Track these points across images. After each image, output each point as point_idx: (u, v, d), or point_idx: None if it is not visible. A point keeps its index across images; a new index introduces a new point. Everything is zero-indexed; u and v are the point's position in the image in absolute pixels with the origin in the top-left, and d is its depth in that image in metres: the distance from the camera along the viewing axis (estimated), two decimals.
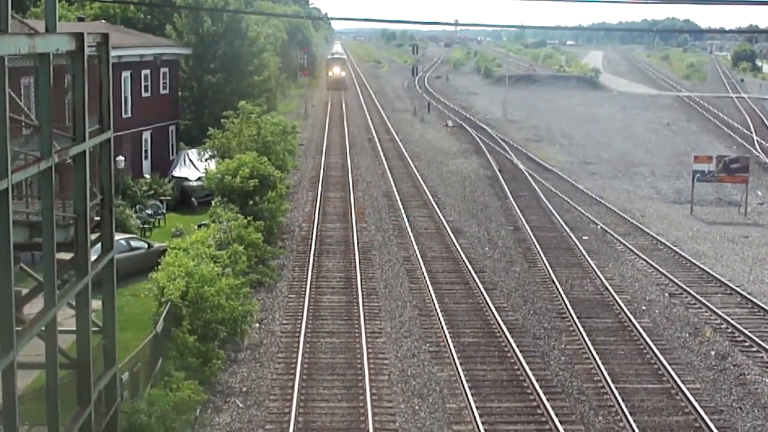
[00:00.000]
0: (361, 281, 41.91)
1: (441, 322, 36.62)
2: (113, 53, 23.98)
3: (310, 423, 28.32)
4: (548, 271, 43.76)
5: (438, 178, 67.86)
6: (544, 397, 29.52)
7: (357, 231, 51.10)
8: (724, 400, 30.42)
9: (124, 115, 56.00)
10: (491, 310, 38.04)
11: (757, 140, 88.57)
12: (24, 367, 18.52)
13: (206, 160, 59.75)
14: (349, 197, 60.18)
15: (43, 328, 18.99)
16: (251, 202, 48.81)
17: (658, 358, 33.08)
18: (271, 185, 51.27)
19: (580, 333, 35.53)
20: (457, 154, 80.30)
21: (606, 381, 31.05)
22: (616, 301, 39.43)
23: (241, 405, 29.81)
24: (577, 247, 48.31)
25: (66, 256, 20.93)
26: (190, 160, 62.52)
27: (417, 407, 29.52)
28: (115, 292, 23.75)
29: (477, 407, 28.97)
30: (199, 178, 56.45)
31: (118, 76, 55.27)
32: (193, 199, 56.51)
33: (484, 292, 40.21)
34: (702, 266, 45.11)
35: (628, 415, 28.36)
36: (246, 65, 79.20)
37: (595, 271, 43.71)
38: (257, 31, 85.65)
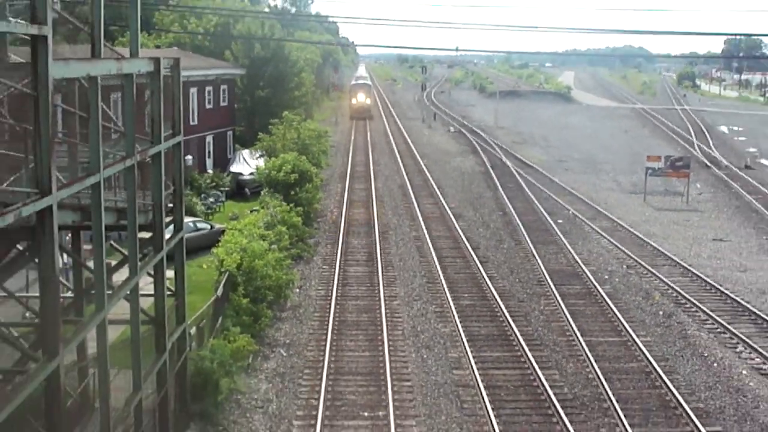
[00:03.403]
0: (381, 255, 41.95)
1: (444, 288, 36.68)
2: (183, 74, 24.06)
3: (339, 368, 28.44)
4: (530, 247, 43.72)
5: (442, 173, 67.82)
6: (526, 348, 29.61)
7: (377, 215, 51.12)
8: (669, 350, 30.43)
9: (191, 123, 56.07)
10: (485, 278, 38.08)
11: (696, 143, 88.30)
12: (113, 323, 18.65)
13: (257, 158, 59.98)
14: (371, 188, 60.19)
15: (128, 292, 19.13)
16: (292, 192, 48.95)
17: (617, 317, 33.12)
18: (308, 178, 51.44)
19: (556, 297, 35.56)
20: (457, 153, 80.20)
21: (576, 335, 31.10)
22: (584, 271, 39.42)
23: (284, 354, 29.95)
24: (553, 228, 48.24)
25: (146, 235, 21.06)
26: (244, 158, 62.68)
27: (425, 356, 29.61)
28: (184, 263, 23.88)
29: (473, 356, 29.07)
30: (251, 173, 56.57)
31: (187, 91, 55.39)
32: (246, 189, 56.62)
33: (478, 264, 40.23)
34: (653, 244, 45.05)
35: (593, 362, 28.43)
36: (288, 83, 79.35)
37: (567, 248, 43.66)
38: (297, 55, 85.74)
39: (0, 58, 20.44)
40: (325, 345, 30.02)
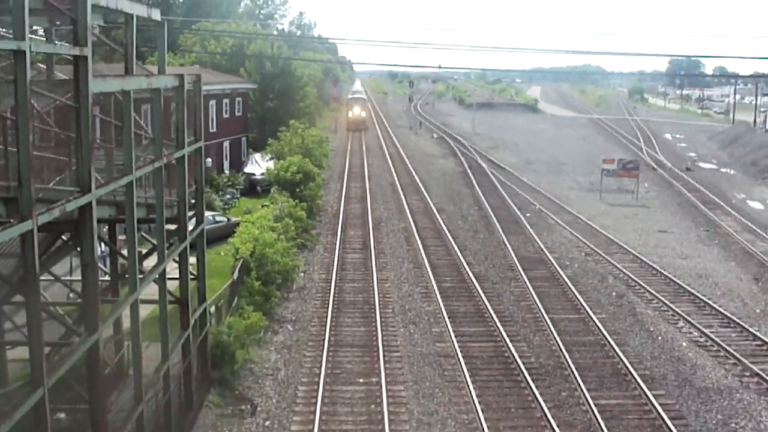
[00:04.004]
0: (374, 244, 41.95)
1: (428, 272, 36.67)
2: (204, 88, 24.06)
3: (339, 340, 28.46)
4: (502, 237, 43.70)
5: (426, 173, 67.67)
6: (499, 324, 29.63)
7: (371, 210, 51.09)
8: (621, 325, 30.49)
9: (211, 130, 55.95)
10: (463, 264, 38.07)
11: (644, 148, 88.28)
12: (144, 302, 18.67)
13: (267, 160, 59.89)
14: (365, 186, 60.12)
15: (156, 276, 19.14)
16: (298, 190, 48.93)
17: (577, 297, 33.16)
18: (311, 178, 51.40)
19: (524, 280, 35.56)
20: (439, 156, 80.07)
21: (542, 312, 31.13)
22: (549, 258, 39.43)
23: (291, 329, 29.97)
24: (522, 221, 48.21)
25: (172, 227, 21.06)
26: (256, 160, 62.52)
27: (411, 330, 29.62)
28: (205, 251, 23.87)
29: (453, 330, 29.08)
30: (262, 173, 56.40)
31: (207, 103, 55.19)
32: (258, 187, 56.43)
33: (458, 252, 40.22)
34: (607, 234, 45.07)
35: (556, 336, 28.48)
36: (294, 95, 79.16)
37: (534, 238, 43.66)
38: (302, 72, 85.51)
39: (47, 76, 20.45)
40: (326, 321, 30.02)
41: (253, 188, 56.66)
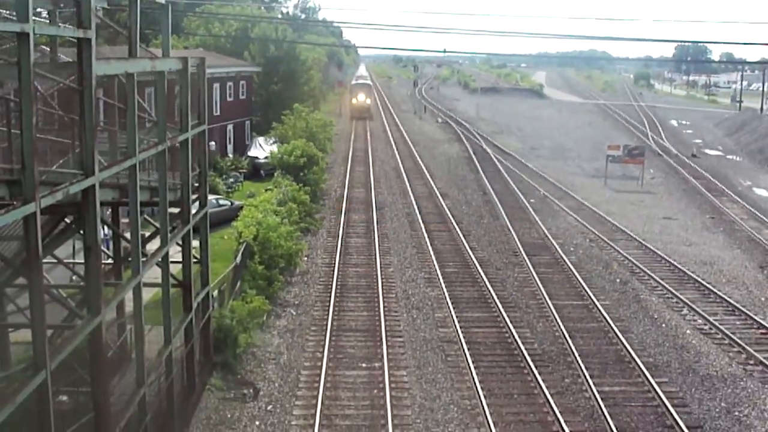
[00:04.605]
0: (377, 228, 41.96)
1: (432, 257, 36.71)
2: (207, 71, 23.98)
3: (341, 325, 28.53)
4: (506, 222, 43.72)
5: (431, 157, 67.60)
6: (503, 310, 29.66)
7: (375, 194, 51.07)
8: (625, 312, 30.53)
9: (214, 114, 55.85)
10: (467, 249, 38.10)
11: (650, 135, 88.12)
12: (147, 285, 18.69)
13: (271, 144, 59.84)
14: (369, 171, 60.07)
15: (159, 260, 19.16)
16: (301, 174, 48.94)
17: (581, 283, 33.18)
18: (315, 162, 51.44)
19: (528, 266, 35.58)
20: (444, 141, 79.94)
21: (545, 298, 31.17)
22: (553, 244, 39.45)
23: (294, 313, 30.02)
24: (527, 206, 48.22)
25: (175, 210, 21.08)
26: (260, 144, 62.43)
27: (415, 316, 29.69)
28: (208, 235, 23.89)
29: (456, 316, 29.14)
30: (266, 157, 56.35)
31: (211, 86, 55.09)
32: (261, 171, 56.38)
33: (462, 237, 40.23)
34: (612, 221, 45.06)
35: (560, 322, 28.53)
36: (298, 79, 78.93)
37: (539, 223, 43.66)
38: (306, 55, 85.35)
39: (51, 58, 20.43)
40: (329, 306, 30.09)
41: (257, 172, 56.63)
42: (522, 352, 25.89)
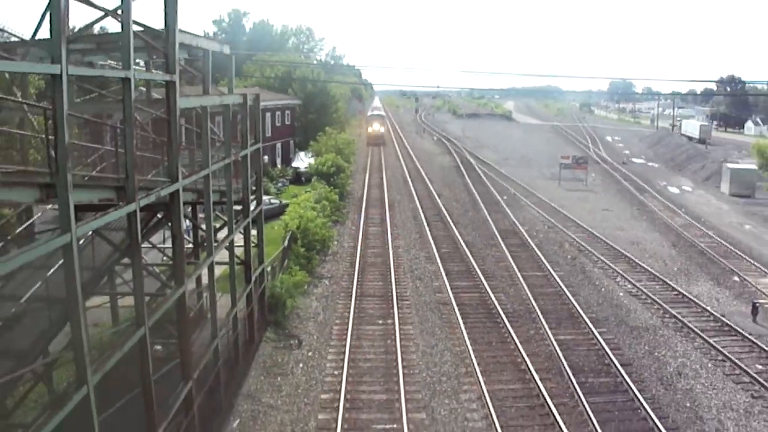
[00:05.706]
0: (389, 220, 41.81)
1: (430, 241, 36.56)
2: (262, 104, 23.95)
3: (363, 291, 28.44)
4: (485, 214, 43.44)
5: (429, 166, 67.20)
6: (483, 279, 29.51)
7: (387, 194, 50.91)
8: (574, 280, 30.32)
9: (267, 135, 55.85)
10: (456, 234, 37.92)
11: (591, 147, 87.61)
12: (218, 264, 18.72)
13: (309, 157, 59.74)
14: (383, 176, 59.88)
15: (227, 244, 19.16)
16: (332, 179, 48.86)
17: (542, 259, 32.98)
18: (342, 170, 51.39)
19: (502, 246, 35.38)
20: (438, 154, 79.50)
21: (515, 270, 31.00)
22: (521, 230, 39.22)
23: (327, 283, 29.95)
24: (500, 202, 47.98)
25: (238, 207, 21.08)
26: (301, 157, 62.20)
27: (417, 284, 29.58)
28: (263, 225, 23.90)
29: (449, 284, 28.99)
30: (306, 167, 56.28)
31: (264, 115, 55.05)
32: (302, 178, 56.23)
33: (452, 226, 40.03)
34: (564, 212, 44.75)
35: (526, 288, 28.37)
36: (329, 109, 78.69)
37: (510, 215, 43.40)
38: (335, 91, 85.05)
39: (146, 96, 20.43)
40: (354, 278, 30.03)
41: (299, 178, 56.57)
42: (498, 311, 25.79)
